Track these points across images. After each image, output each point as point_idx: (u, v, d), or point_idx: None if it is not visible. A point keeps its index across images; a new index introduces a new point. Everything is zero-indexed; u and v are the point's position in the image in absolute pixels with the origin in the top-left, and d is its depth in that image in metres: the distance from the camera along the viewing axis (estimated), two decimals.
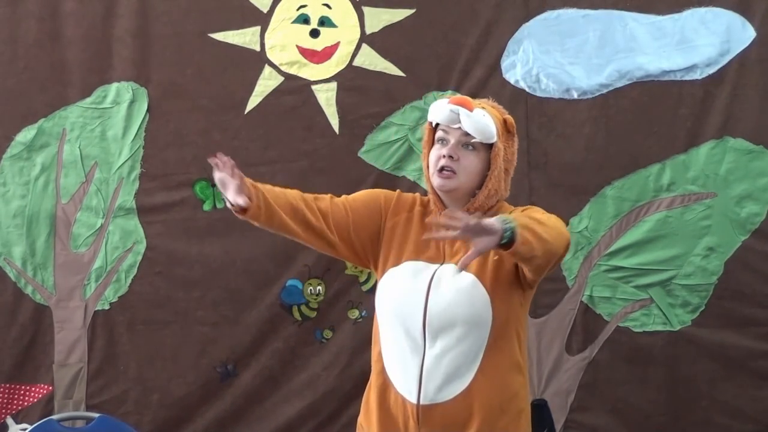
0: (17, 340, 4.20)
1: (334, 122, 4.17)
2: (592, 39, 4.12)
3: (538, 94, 4.13)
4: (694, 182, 4.09)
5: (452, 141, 2.75)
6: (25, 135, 4.21)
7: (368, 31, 4.18)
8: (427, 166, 2.80)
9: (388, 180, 4.12)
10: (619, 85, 4.11)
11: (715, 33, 4.08)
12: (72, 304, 4.20)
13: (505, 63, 4.15)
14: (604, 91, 4.11)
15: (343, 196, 2.84)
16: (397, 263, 2.80)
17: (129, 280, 4.19)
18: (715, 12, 4.09)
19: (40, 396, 4.20)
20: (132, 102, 4.20)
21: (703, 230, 4.08)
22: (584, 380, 4.11)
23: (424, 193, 3.91)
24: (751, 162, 4.08)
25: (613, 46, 4.11)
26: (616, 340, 4.10)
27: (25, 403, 4.20)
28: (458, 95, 2.82)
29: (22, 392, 4.20)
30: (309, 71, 4.17)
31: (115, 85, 4.21)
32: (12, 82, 4.22)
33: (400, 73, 4.16)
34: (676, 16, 4.11)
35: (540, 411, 4.07)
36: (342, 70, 4.18)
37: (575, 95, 4.11)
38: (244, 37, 4.19)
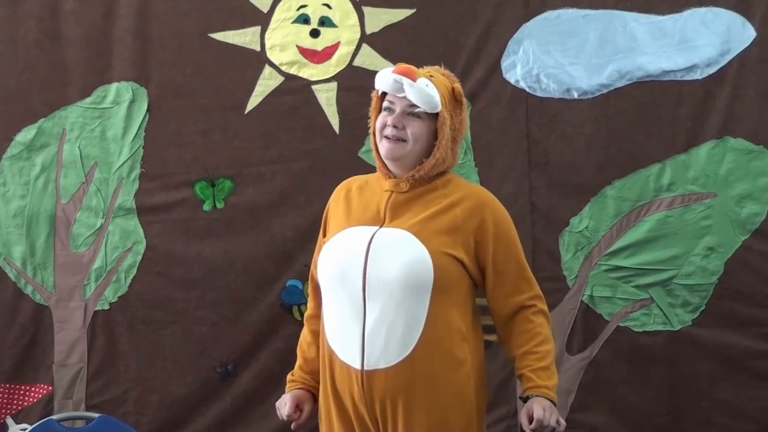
0: (17, 340, 4.20)
1: (335, 122, 4.17)
2: (592, 39, 4.12)
3: (539, 94, 4.13)
4: (694, 182, 4.09)
5: (398, 110, 2.82)
6: (25, 135, 4.21)
7: (368, 31, 4.18)
8: (374, 133, 2.86)
9: None
10: (620, 85, 4.11)
11: (715, 33, 4.08)
12: (72, 304, 4.20)
13: (505, 63, 4.15)
14: (605, 91, 4.11)
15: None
16: (334, 233, 2.85)
17: (129, 280, 4.19)
18: (716, 12, 4.09)
19: (40, 396, 4.20)
20: (132, 102, 4.20)
21: (704, 230, 4.08)
22: (584, 380, 4.11)
23: None
24: (751, 162, 4.08)
25: (613, 46, 4.11)
26: (616, 340, 4.10)
27: (25, 403, 4.20)
28: (403, 64, 2.85)
29: (22, 392, 4.20)
30: (309, 71, 4.17)
31: (115, 85, 4.21)
32: (12, 82, 4.22)
33: None
34: (676, 16, 4.12)
35: None
36: (342, 70, 4.18)
37: (575, 95, 4.12)
38: (244, 37, 4.19)
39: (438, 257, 2.75)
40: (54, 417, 3.83)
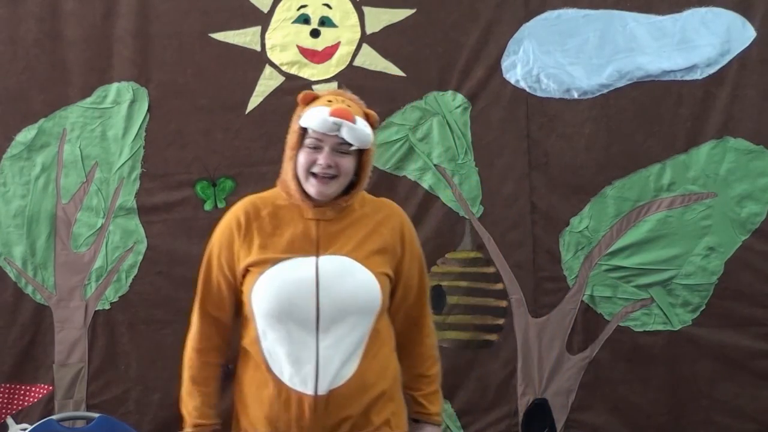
0: (17, 340, 4.20)
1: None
2: (592, 39, 4.13)
3: (539, 94, 4.13)
4: (694, 182, 4.10)
5: (326, 148, 2.79)
6: (26, 135, 4.21)
7: (369, 31, 4.18)
8: (293, 167, 2.82)
9: (388, 180, 4.13)
10: (620, 85, 4.11)
11: (715, 33, 4.09)
12: (72, 304, 4.19)
13: (505, 63, 4.15)
14: (605, 91, 4.12)
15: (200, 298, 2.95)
16: (269, 264, 2.81)
17: (129, 280, 4.19)
18: (716, 12, 4.10)
19: (40, 396, 4.19)
20: (132, 102, 4.20)
21: (704, 230, 4.09)
22: (585, 379, 4.12)
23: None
24: (751, 162, 4.09)
25: (613, 46, 4.12)
26: (616, 340, 4.11)
27: (25, 403, 4.20)
28: (338, 105, 2.82)
29: (22, 392, 4.20)
30: (309, 71, 4.17)
31: (115, 85, 4.21)
32: (12, 82, 4.22)
33: (401, 73, 4.16)
34: (676, 16, 4.13)
35: (541, 410, 4.09)
36: (342, 70, 4.18)
37: (576, 95, 4.12)
38: (244, 37, 4.20)
39: (380, 278, 2.81)
40: (54, 417, 3.82)
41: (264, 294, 2.80)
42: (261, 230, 2.86)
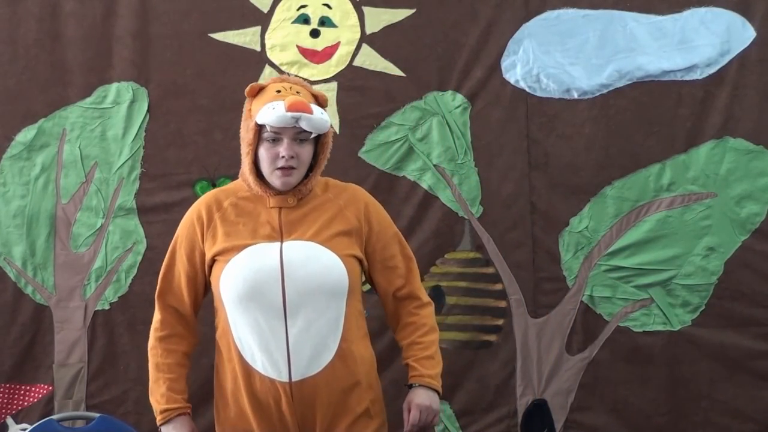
0: (17, 340, 4.20)
1: (335, 122, 4.16)
2: (592, 39, 4.13)
3: (539, 94, 4.13)
4: (694, 182, 4.10)
5: (286, 139, 2.83)
6: (25, 135, 4.21)
7: (368, 31, 4.18)
8: (253, 162, 2.86)
9: (388, 180, 4.13)
10: (620, 85, 4.11)
11: (715, 33, 4.09)
12: (72, 304, 4.19)
13: (505, 63, 4.15)
14: (605, 91, 4.12)
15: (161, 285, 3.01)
16: (235, 252, 2.85)
17: (129, 280, 4.19)
18: (715, 12, 4.10)
19: (40, 396, 4.20)
20: (132, 102, 4.20)
21: (703, 230, 4.08)
22: (584, 380, 4.12)
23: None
24: (751, 162, 4.09)
25: (613, 46, 4.12)
26: (616, 340, 4.11)
27: (25, 403, 4.20)
28: (293, 98, 2.82)
29: (22, 392, 4.20)
30: (309, 71, 4.17)
31: (115, 85, 4.21)
32: (12, 82, 4.21)
33: (401, 73, 4.16)
34: (676, 16, 4.12)
35: (540, 411, 4.08)
36: (342, 70, 4.18)
37: (575, 95, 4.12)
38: (244, 37, 4.20)
39: (346, 260, 2.84)
40: (54, 417, 3.81)
41: (231, 281, 2.84)
42: (224, 220, 2.90)
